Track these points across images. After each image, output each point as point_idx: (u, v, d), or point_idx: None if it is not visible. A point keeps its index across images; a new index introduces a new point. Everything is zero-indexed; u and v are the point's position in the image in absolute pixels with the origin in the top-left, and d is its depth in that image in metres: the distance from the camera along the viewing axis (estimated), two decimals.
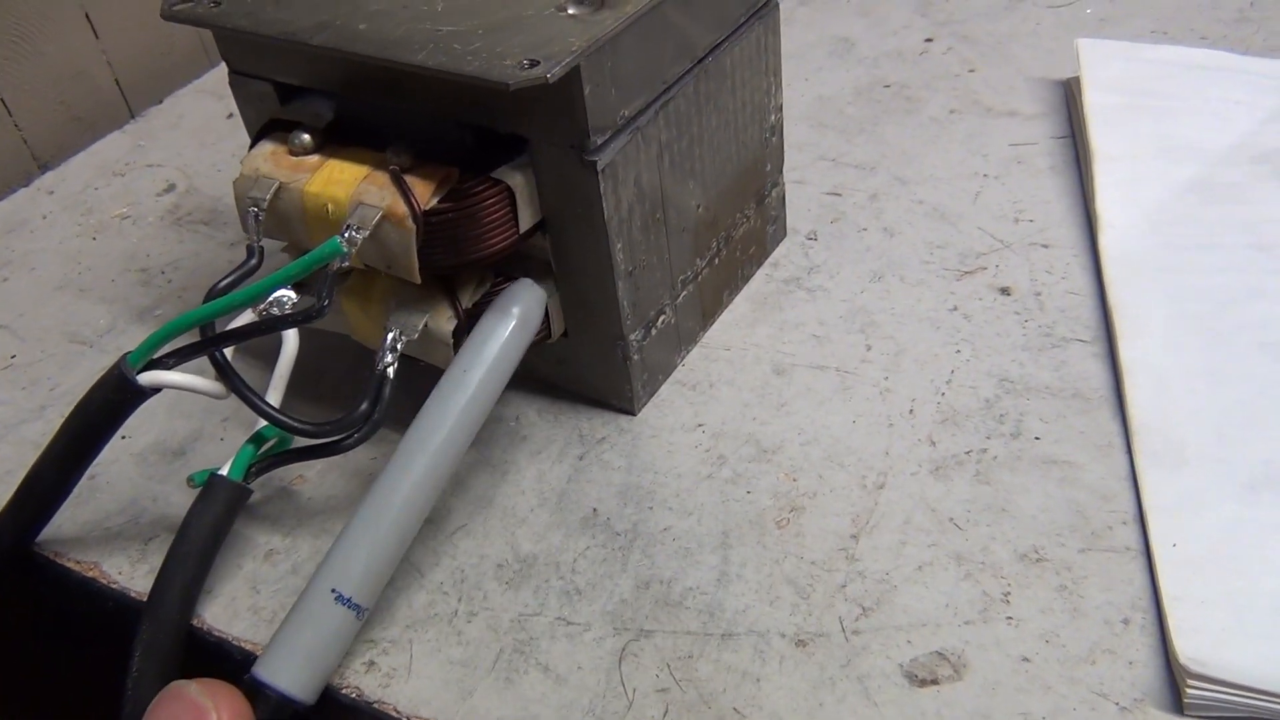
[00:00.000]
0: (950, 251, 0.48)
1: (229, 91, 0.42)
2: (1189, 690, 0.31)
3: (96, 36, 0.66)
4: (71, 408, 0.37)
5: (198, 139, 0.64)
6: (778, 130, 0.46)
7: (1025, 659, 0.33)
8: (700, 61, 0.40)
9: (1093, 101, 0.53)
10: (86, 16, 0.65)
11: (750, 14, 0.42)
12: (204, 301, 0.36)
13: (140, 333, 0.50)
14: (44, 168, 0.63)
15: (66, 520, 0.41)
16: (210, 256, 0.54)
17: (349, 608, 0.33)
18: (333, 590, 0.33)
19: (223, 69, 0.42)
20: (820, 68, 0.62)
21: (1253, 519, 0.35)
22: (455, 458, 0.36)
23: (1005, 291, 0.46)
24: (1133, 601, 0.34)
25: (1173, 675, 0.32)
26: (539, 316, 0.38)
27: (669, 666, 0.34)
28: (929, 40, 0.63)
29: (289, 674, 0.33)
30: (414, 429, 0.36)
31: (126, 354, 0.36)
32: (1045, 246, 0.48)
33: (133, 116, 0.67)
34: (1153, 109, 0.53)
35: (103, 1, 0.66)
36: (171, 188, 0.60)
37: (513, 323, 0.37)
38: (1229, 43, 0.59)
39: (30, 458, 0.38)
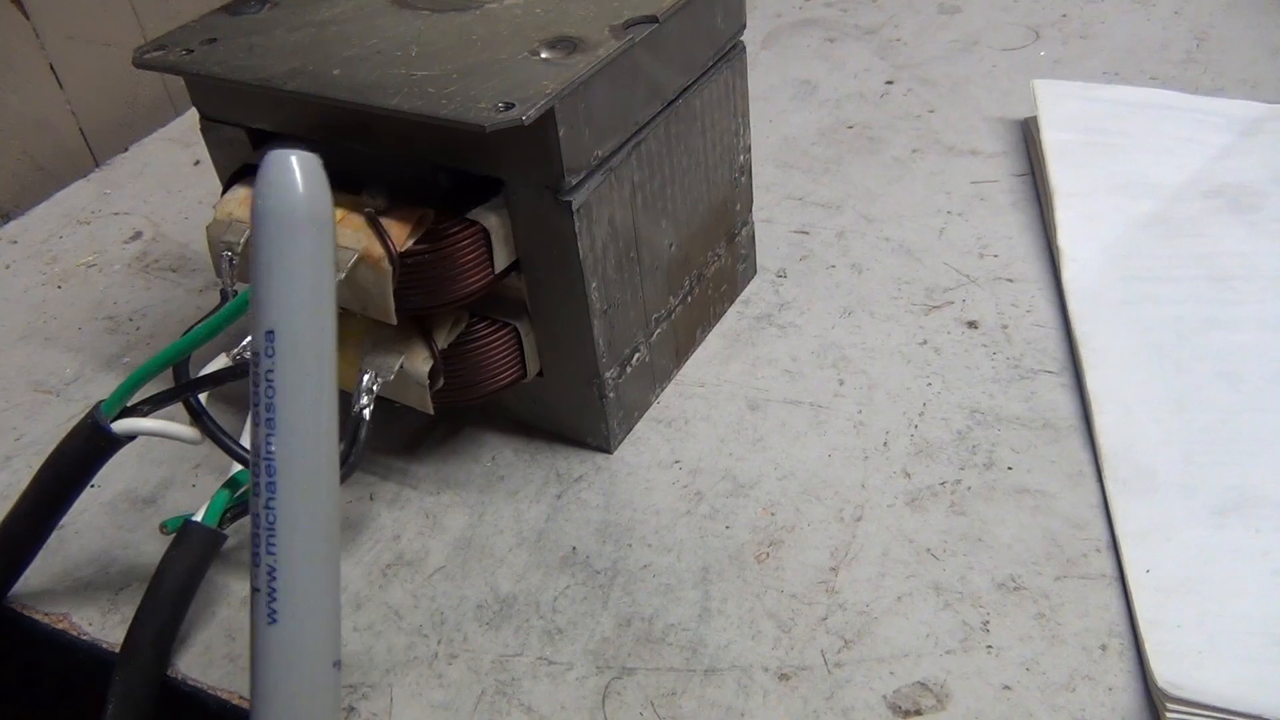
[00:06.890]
0: (917, 287, 0.49)
1: (194, 139, 0.43)
2: (1168, 714, 0.31)
3: (61, 86, 0.66)
4: (39, 458, 0.37)
5: (164, 186, 0.63)
6: (746, 170, 0.47)
7: (1006, 687, 0.33)
8: (670, 104, 0.40)
9: (1050, 140, 0.54)
10: (50, 66, 0.65)
11: (718, 57, 0.43)
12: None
13: (109, 381, 0.49)
14: (7, 217, 0.63)
15: (34, 572, 0.40)
16: (179, 303, 0.54)
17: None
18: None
19: (187, 116, 0.42)
20: (785, 109, 0.63)
21: (1221, 543, 0.36)
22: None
23: (973, 325, 0.46)
24: (1109, 628, 0.34)
25: (1151, 700, 0.32)
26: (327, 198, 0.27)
27: (653, 704, 0.34)
28: (889, 83, 0.64)
29: None
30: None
31: (100, 402, 0.35)
32: (1010, 281, 0.49)
33: (97, 165, 0.67)
34: (1108, 146, 0.54)
35: (66, 52, 0.66)
36: (138, 235, 0.59)
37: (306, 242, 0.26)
38: (1178, 83, 0.61)
39: None
